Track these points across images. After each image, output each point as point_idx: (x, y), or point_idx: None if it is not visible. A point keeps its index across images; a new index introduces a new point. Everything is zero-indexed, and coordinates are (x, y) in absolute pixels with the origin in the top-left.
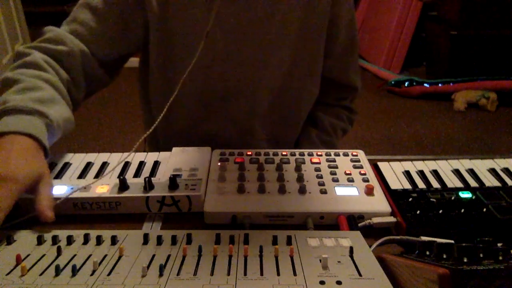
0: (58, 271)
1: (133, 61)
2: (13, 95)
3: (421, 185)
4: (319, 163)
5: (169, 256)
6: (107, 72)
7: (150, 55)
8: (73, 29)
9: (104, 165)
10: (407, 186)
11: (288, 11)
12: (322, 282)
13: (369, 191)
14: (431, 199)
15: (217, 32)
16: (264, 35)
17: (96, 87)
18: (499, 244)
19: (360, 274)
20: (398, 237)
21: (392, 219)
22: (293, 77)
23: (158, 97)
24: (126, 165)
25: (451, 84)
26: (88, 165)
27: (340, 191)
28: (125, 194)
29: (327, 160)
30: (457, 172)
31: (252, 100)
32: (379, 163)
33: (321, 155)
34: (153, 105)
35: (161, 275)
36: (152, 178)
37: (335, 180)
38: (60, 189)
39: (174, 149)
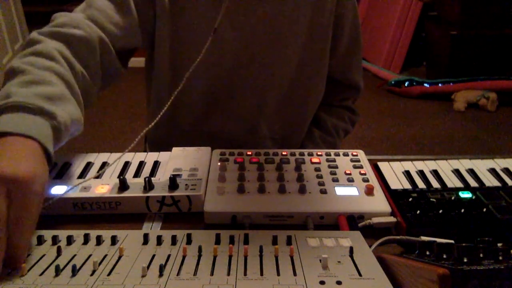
0: (58, 271)
1: (133, 61)
2: (18, 88)
3: (421, 185)
4: (319, 163)
5: (169, 256)
6: (122, 64)
7: (156, 51)
8: (90, 14)
9: (104, 165)
10: (407, 186)
11: (296, 9)
12: (322, 282)
13: (369, 191)
14: (431, 199)
15: (226, 29)
16: (273, 33)
17: (112, 80)
18: (499, 244)
19: (360, 274)
20: (398, 237)
21: (392, 219)
22: (301, 76)
23: (164, 94)
24: (126, 165)
25: (451, 84)
26: (88, 165)
27: (340, 191)
28: (125, 194)
29: (327, 160)
30: (457, 172)
31: (259, 99)
32: (379, 163)
33: (321, 155)
34: (158, 103)
35: (161, 275)
36: (152, 178)
37: (335, 180)
38: (60, 189)
39: (174, 149)
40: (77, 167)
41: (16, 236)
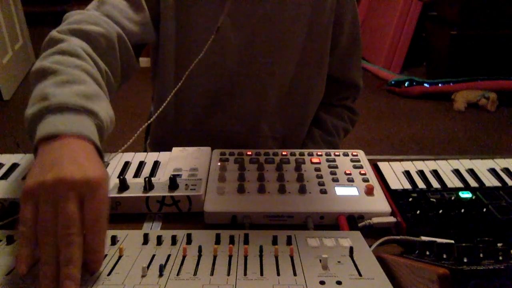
0: None
1: None
2: (54, 89)
3: (421, 185)
4: (319, 163)
5: (169, 256)
6: (137, 59)
7: (161, 50)
8: (105, 11)
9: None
10: (407, 186)
11: (297, 9)
12: (322, 282)
13: (369, 191)
14: (431, 199)
15: (228, 29)
16: (274, 32)
17: (128, 76)
18: (499, 244)
19: (360, 274)
20: (398, 237)
21: (392, 219)
22: (302, 75)
23: (168, 93)
24: (126, 165)
25: (451, 84)
26: None
27: (340, 191)
28: (125, 194)
29: (327, 160)
30: (457, 172)
31: (260, 98)
32: (379, 163)
33: (321, 155)
34: (161, 102)
35: (161, 275)
36: (152, 178)
37: (335, 180)
38: None
39: (174, 149)
40: None
41: (93, 240)
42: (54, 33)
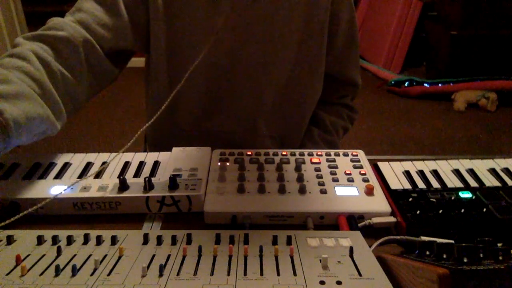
0: (58, 271)
1: (133, 61)
2: None
3: (421, 185)
4: (319, 163)
5: (169, 256)
6: (114, 64)
7: (152, 54)
8: (78, 17)
9: (104, 165)
10: (407, 186)
11: (292, 7)
12: (322, 282)
13: (369, 191)
14: (431, 199)
15: (223, 30)
16: (269, 32)
17: (105, 81)
18: (499, 244)
19: (360, 274)
20: (398, 237)
21: (392, 219)
22: (298, 73)
23: (162, 95)
24: (126, 165)
25: (451, 84)
26: (88, 165)
27: (340, 191)
28: (125, 194)
29: (327, 160)
30: (457, 172)
31: (256, 97)
32: (379, 163)
33: (321, 155)
34: (156, 105)
35: (161, 275)
36: (152, 178)
37: (335, 180)
38: (59, 189)
39: (174, 149)
40: (77, 167)
41: None
42: (18, 38)
